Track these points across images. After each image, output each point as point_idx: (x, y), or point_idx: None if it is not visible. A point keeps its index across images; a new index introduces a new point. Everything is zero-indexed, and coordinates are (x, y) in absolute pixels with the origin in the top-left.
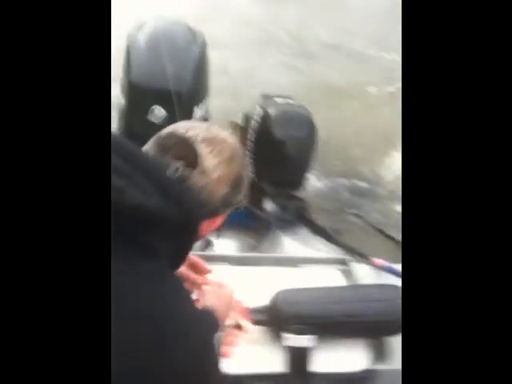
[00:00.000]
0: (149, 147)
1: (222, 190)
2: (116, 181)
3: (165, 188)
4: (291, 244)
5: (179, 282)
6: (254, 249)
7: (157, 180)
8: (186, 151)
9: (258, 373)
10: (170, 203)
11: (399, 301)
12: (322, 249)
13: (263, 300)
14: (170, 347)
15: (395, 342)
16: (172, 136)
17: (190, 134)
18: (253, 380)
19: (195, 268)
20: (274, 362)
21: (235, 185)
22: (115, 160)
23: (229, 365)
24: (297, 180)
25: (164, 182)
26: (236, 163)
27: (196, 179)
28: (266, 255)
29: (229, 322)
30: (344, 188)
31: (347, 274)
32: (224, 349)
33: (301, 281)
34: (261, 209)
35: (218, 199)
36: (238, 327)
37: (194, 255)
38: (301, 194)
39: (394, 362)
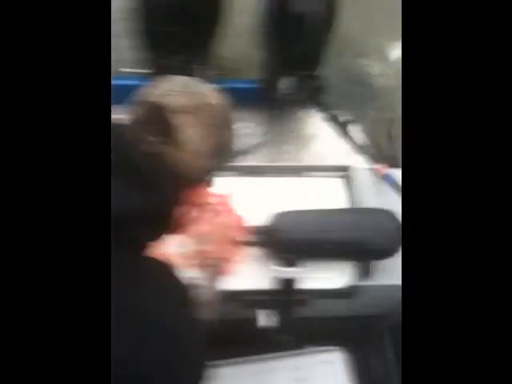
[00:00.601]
0: (122, 118)
1: (200, 162)
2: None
3: (134, 177)
4: (305, 124)
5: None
6: (266, 131)
7: (125, 167)
8: (160, 121)
9: (249, 289)
10: (139, 195)
11: (392, 227)
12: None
13: (265, 214)
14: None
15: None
16: (146, 104)
17: (165, 101)
18: (244, 295)
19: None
20: (265, 280)
21: (216, 154)
22: None
23: (226, 281)
24: (314, 58)
25: (133, 170)
26: (217, 132)
27: (171, 152)
28: (268, 164)
29: (228, 239)
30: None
31: (348, 180)
32: (225, 266)
33: (303, 190)
34: (275, 88)
35: (196, 171)
36: (237, 244)
37: None
38: (318, 73)
39: (379, 278)
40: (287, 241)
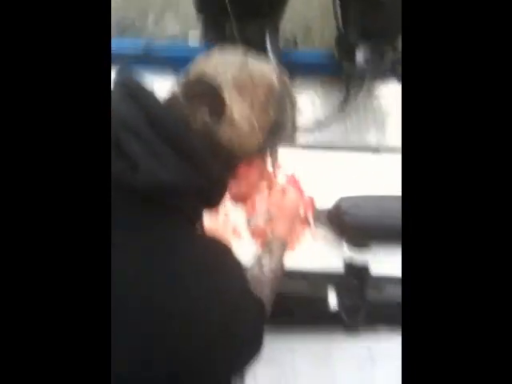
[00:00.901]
0: (175, 92)
1: (254, 140)
2: (132, 148)
3: (187, 154)
4: (383, 98)
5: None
6: (340, 107)
7: (178, 144)
8: (214, 99)
9: (317, 270)
10: (193, 173)
11: None
12: None
13: (339, 193)
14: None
15: None
16: (200, 82)
17: (219, 79)
18: (312, 276)
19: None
20: (333, 261)
21: (272, 132)
22: (132, 117)
23: (292, 258)
24: (392, 29)
25: (186, 147)
26: (273, 109)
27: (224, 131)
28: (343, 139)
29: (296, 217)
30: None
31: None
32: (291, 245)
33: (381, 169)
34: (351, 61)
35: (251, 150)
36: (305, 222)
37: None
38: (396, 45)
39: None
40: (359, 225)
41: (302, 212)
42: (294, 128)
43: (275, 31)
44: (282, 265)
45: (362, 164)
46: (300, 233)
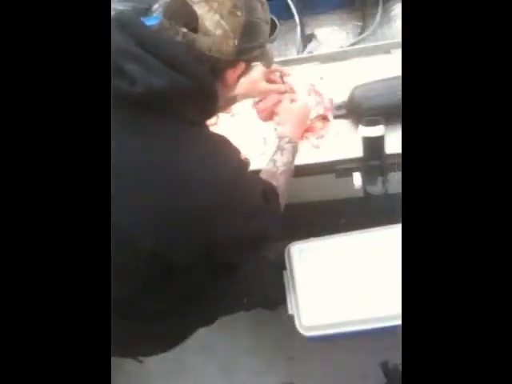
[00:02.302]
0: (160, 16)
1: (231, 43)
2: (128, 66)
3: (175, 63)
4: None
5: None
6: (359, 33)
7: (166, 57)
8: (188, 15)
9: (339, 159)
10: (182, 78)
11: None
12: None
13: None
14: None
15: None
16: (173, 2)
17: None
18: (341, 164)
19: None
20: (354, 148)
21: (247, 33)
22: (126, 42)
23: (316, 154)
24: None
25: (173, 58)
26: (240, 11)
27: (201, 41)
28: (355, 47)
29: (314, 114)
30: None
31: None
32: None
33: (391, 66)
34: None
35: (230, 52)
36: (324, 118)
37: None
38: None
39: None
40: (373, 105)
41: (321, 111)
42: (267, 25)
43: None
44: (293, 160)
45: (375, 65)
46: (322, 129)
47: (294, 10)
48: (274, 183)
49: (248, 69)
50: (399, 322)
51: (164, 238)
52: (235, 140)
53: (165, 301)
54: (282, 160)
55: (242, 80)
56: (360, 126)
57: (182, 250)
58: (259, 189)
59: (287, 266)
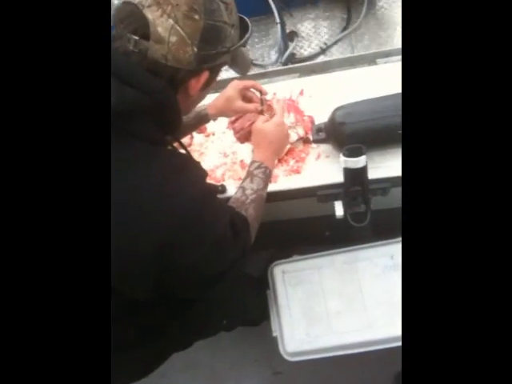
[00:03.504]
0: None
1: (189, 50)
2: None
3: (126, 77)
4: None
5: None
6: (344, 27)
7: (115, 70)
8: (138, 21)
9: (320, 184)
10: (136, 92)
11: None
12: None
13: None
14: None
15: None
16: (124, 6)
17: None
18: (323, 189)
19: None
20: (335, 174)
21: (208, 38)
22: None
23: (299, 179)
24: None
25: (123, 71)
26: (200, 14)
27: (154, 50)
28: (338, 58)
29: (296, 137)
30: None
31: None
32: (295, 165)
33: (377, 79)
34: None
35: (189, 60)
36: (305, 142)
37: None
38: None
39: None
40: (351, 132)
41: (301, 132)
42: (234, 27)
43: None
44: (264, 186)
45: (359, 77)
46: (302, 152)
47: (273, 6)
48: (243, 213)
49: (215, 76)
50: (386, 345)
51: (120, 275)
52: (210, 163)
53: (132, 332)
54: (251, 187)
55: (216, 97)
56: (341, 156)
57: (138, 287)
58: (226, 218)
59: (270, 286)
